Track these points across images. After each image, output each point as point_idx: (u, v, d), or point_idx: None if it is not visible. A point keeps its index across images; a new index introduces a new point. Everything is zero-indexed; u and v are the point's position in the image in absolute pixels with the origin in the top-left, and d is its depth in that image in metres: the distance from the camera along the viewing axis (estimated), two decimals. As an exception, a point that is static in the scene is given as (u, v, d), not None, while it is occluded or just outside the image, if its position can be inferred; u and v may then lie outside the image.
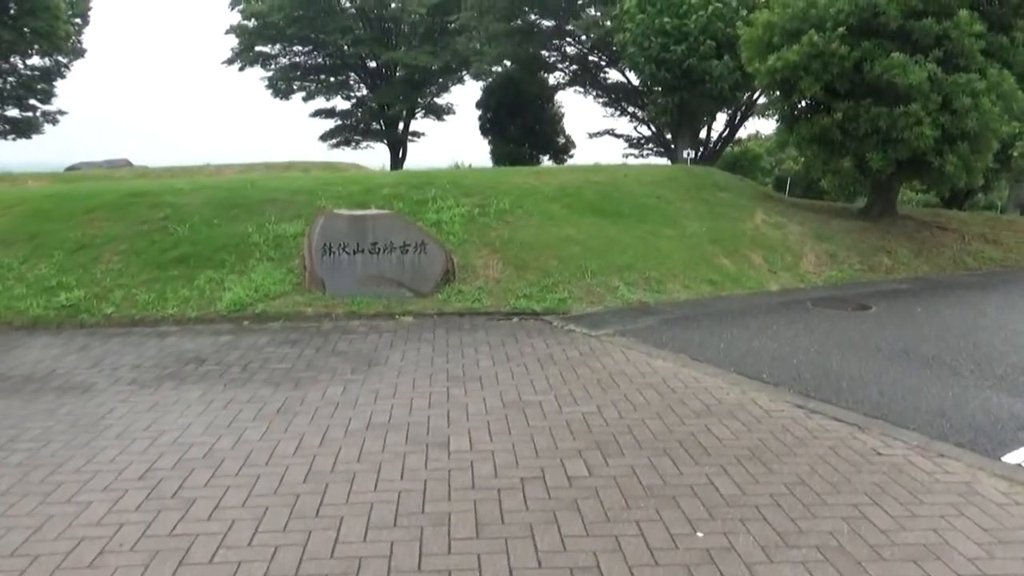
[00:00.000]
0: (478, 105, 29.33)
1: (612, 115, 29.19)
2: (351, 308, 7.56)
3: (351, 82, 34.61)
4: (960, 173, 10.10)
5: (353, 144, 36.27)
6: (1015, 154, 13.75)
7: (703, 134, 24.05)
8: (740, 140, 31.01)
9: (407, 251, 7.94)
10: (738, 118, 23.47)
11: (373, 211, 8.39)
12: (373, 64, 33.84)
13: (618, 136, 29.73)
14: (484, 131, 29.62)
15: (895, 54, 9.93)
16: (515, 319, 7.49)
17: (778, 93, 11.23)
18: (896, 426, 4.58)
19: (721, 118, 23.62)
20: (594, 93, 28.66)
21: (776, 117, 11.64)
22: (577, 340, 6.64)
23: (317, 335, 6.75)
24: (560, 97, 47.69)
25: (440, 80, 33.41)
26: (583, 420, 4.60)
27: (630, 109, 27.73)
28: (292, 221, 8.88)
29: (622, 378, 5.47)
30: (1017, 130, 10.68)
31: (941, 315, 7.78)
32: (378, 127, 35.38)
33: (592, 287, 8.32)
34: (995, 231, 12.18)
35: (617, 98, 27.98)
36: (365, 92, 34.51)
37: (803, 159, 12.91)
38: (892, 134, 10.24)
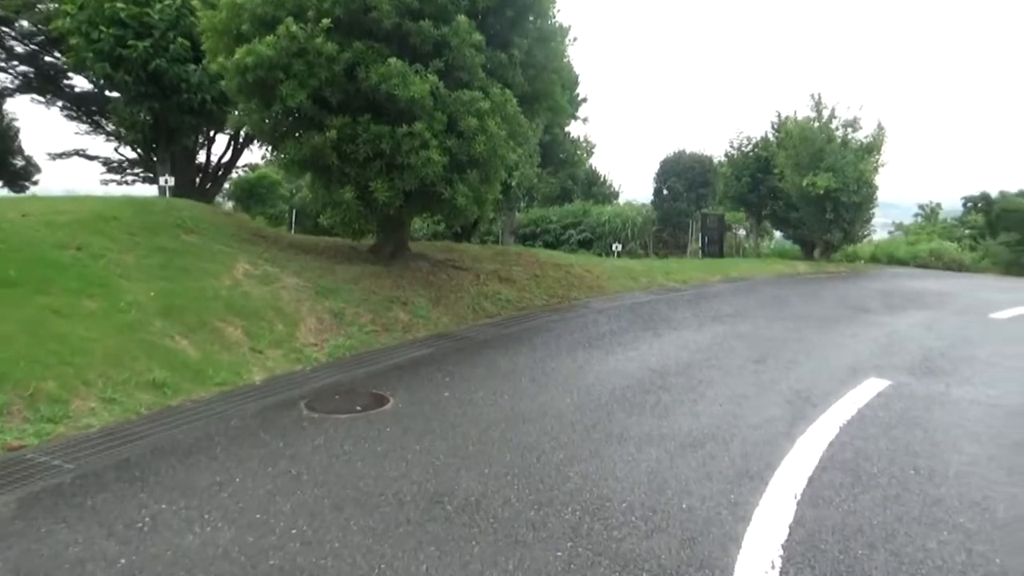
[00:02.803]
0: None
1: (87, 132, 23.20)
2: None
3: None
4: (471, 205, 8.65)
5: None
6: (514, 183, 13.46)
7: (203, 157, 20.25)
8: (256, 165, 27.93)
9: None
10: (242, 138, 20.20)
11: None
12: None
13: (92, 158, 23.79)
14: None
15: (392, 60, 7.98)
16: None
17: (255, 101, 8.41)
18: None
19: (223, 138, 20.10)
20: (60, 104, 22.33)
21: (253, 132, 8.81)
22: None
23: None
24: (13, 107, 37.89)
25: None
26: None
27: (109, 126, 22.24)
28: None
29: None
30: (519, 157, 9.75)
31: (474, 403, 5.79)
32: None
33: None
34: (506, 267, 11.38)
35: (88, 111, 22.22)
36: None
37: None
38: (397, 159, 8.30)
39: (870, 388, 6.51)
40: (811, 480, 4.38)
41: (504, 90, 8.66)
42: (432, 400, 5.83)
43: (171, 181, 14.25)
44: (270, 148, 8.74)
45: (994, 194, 32.53)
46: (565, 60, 10.21)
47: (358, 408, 5.55)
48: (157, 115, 14.35)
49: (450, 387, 6.23)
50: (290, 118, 8.37)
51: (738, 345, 8.11)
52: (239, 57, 7.78)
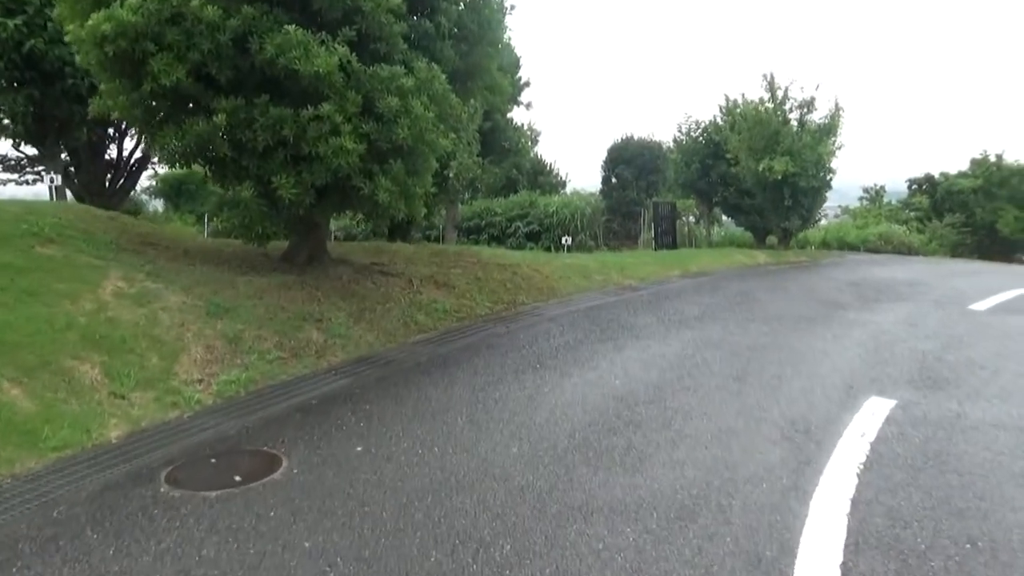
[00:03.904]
0: None
1: (-23, 127, 20.74)
2: None
3: None
4: (397, 202, 7.27)
5: None
6: (451, 175, 12.13)
7: (114, 152, 18.30)
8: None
9: None
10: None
11: None
12: None
13: (-17, 157, 21.35)
14: None
15: (290, 27, 6.55)
16: None
17: (121, 80, 6.87)
18: None
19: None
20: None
21: (122, 118, 7.23)
22: None
23: None
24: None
25: None
26: None
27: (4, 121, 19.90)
28: None
29: None
30: (453, 144, 8.41)
31: (394, 460, 4.46)
32: None
33: None
34: (444, 270, 10.03)
35: (-26, 103, 19.83)
36: None
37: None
38: (303, 148, 6.89)
39: (875, 411, 5.44)
40: (846, 571, 3.22)
41: (431, 65, 7.30)
42: (339, 459, 4.49)
43: (58, 180, 12.48)
44: (146, 137, 7.23)
45: (936, 176, 32.56)
46: (503, 33, 8.89)
47: (237, 478, 4.17)
48: (40, 105, 12.51)
49: (365, 436, 4.89)
50: (168, 100, 6.85)
51: (712, 357, 6.97)
52: (95, 24, 6.23)
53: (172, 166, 7.36)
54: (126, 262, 7.31)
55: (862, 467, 4.39)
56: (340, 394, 5.84)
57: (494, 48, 8.55)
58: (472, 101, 9.20)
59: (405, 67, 7.12)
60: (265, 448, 4.65)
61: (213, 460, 4.47)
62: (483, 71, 8.56)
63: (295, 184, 7.00)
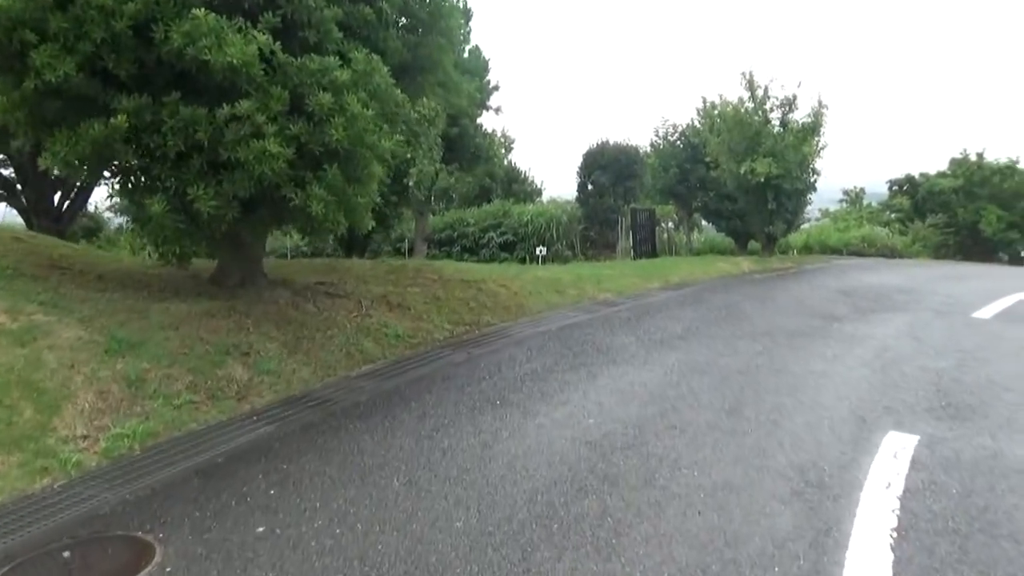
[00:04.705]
0: None
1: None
2: None
3: None
4: (335, 214, 6.28)
5: None
6: (411, 183, 11.16)
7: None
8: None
9: None
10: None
11: None
12: None
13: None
14: None
15: (199, 12, 5.57)
16: None
17: (0, 77, 5.84)
18: None
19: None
20: None
21: (2, 118, 6.16)
22: None
23: None
24: None
25: None
26: None
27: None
28: None
29: None
30: (409, 150, 7.46)
31: (301, 546, 3.46)
32: None
33: None
34: (400, 288, 9.02)
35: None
36: None
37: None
38: (221, 153, 5.89)
39: (897, 452, 4.57)
40: None
41: (371, 56, 6.34)
42: (231, 547, 3.48)
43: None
44: (35, 144, 6.20)
45: (917, 177, 32.09)
46: (457, 22, 7.98)
47: (92, 581, 3.16)
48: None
49: (273, 509, 3.88)
50: (58, 99, 5.82)
51: (699, 385, 6.06)
52: (-43, 8, 5.22)
53: (59, 168, 6.28)
54: (18, 291, 6.25)
55: (895, 535, 3.50)
56: (255, 448, 4.82)
57: (447, 39, 7.61)
58: (427, 100, 8.25)
59: (341, 58, 6.16)
60: (140, 533, 3.63)
61: (66, 554, 3.46)
62: (435, 65, 7.61)
63: (214, 195, 5.99)
